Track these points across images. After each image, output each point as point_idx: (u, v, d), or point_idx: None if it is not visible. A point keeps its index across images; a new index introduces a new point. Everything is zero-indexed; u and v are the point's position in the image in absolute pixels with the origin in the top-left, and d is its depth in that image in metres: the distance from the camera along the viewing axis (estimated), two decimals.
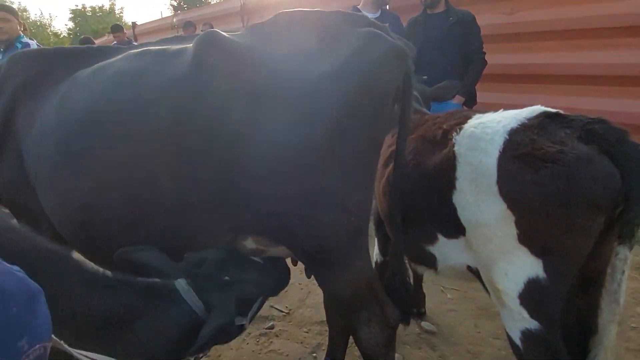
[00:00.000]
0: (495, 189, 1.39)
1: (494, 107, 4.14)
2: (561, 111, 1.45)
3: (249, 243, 1.61)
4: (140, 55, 1.58)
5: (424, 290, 2.73)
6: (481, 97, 4.21)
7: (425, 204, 1.65)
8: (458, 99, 3.46)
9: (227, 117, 1.40)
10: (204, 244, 1.58)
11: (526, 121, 1.43)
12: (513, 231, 1.37)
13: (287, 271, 1.70)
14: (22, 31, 3.84)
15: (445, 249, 1.67)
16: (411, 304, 1.90)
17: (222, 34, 1.45)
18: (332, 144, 1.39)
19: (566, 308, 1.50)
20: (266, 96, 1.39)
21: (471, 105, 3.64)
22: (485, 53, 3.50)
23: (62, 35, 29.02)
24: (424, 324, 2.63)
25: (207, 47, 1.42)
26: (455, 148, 1.54)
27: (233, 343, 2.68)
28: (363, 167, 1.47)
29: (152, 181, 1.45)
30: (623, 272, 1.33)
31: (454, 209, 1.53)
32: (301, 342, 2.56)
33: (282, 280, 1.68)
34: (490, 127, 1.48)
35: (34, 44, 3.74)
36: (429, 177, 1.62)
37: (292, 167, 1.40)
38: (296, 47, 1.47)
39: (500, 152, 1.40)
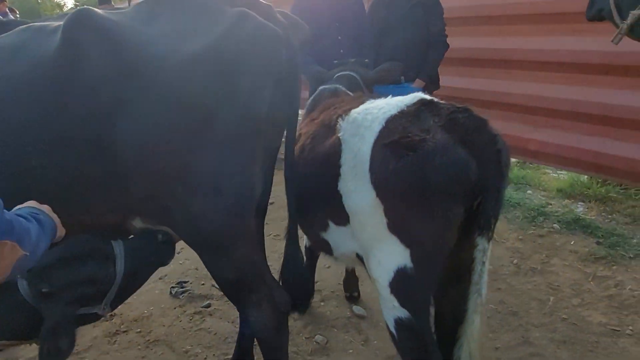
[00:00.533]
0: (368, 177, 1.38)
1: (463, 92, 4.04)
2: (436, 99, 1.42)
3: (138, 223, 1.62)
4: (23, 32, 1.56)
5: (359, 274, 2.74)
6: (450, 81, 4.14)
7: (318, 191, 1.64)
8: (418, 83, 3.39)
9: (98, 97, 1.38)
10: (91, 224, 1.59)
11: (405, 108, 1.40)
12: (383, 220, 1.36)
13: (171, 241, 1.65)
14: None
15: (336, 237, 1.66)
16: (308, 291, 1.90)
17: (95, 12, 1.43)
18: (202, 127, 1.39)
19: (440, 297, 1.50)
20: (137, 77, 1.38)
21: (434, 89, 3.57)
22: (446, 36, 3.40)
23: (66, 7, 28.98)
24: (355, 308, 2.64)
25: (75, 25, 1.39)
26: (341, 134, 1.52)
27: (165, 320, 2.75)
28: (239, 150, 1.46)
29: (25, 161, 1.44)
30: (483, 263, 1.32)
31: (340, 197, 1.52)
32: (232, 322, 2.60)
33: (166, 250, 1.65)
34: (371, 113, 1.45)
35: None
36: (320, 163, 1.61)
37: (163, 149, 1.40)
38: (171, 27, 1.45)
39: (375, 139, 1.38)
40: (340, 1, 3.27)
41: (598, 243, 3.23)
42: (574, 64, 3.33)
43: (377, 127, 1.38)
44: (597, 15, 2.15)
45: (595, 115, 3.27)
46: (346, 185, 1.48)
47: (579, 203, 3.82)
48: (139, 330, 2.71)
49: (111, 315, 2.93)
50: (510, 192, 4.03)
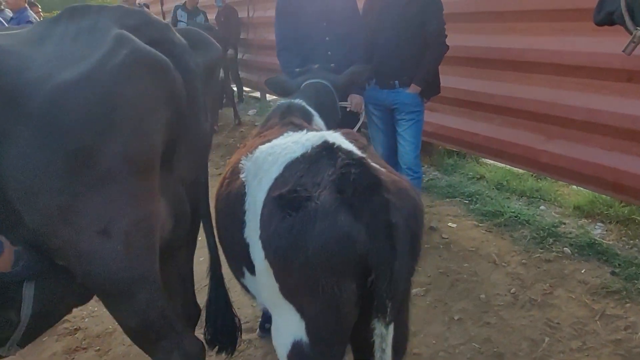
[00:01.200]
0: (259, 232, 1.15)
1: (469, 95, 3.64)
2: (342, 141, 1.16)
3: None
4: None
5: None
6: (457, 83, 3.78)
7: (231, 233, 1.43)
8: (414, 88, 3.09)
9: None
10: None
11: (308, 151, 1.16)
12: (275, 283, 1.13)
13: None
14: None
15: (251, 286, 1.45)
16: (234, 333, 1.70)
17: None
18: (79, 164, 1.21)
19: None
20: (15, 107, 1.21)
21: (433, 94, 3.25)
22: (446, 36, 3.07)
23: None
24: None
25: None
26: (243, 175, 1.30)
27: (127, 339, 2.62)
28: (127, 188, 1.27)
29: None
30: (383, 350, 1.05)
31: (247, 245, 1.30)
32: None
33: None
34: (274, 154, 1.23)
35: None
36: (231, 204, 1.40)
37: (41, 186, 1.23)
38: (58, 50, 1.28)
39: (269, 187, 1.15)
40: (329, 0, 2.99)
41: (613, 273, 2.84)
42: (591, 68, 2.92)
43: (274, 173, 1.16)
44: (606, 19, 1.81)
45: (616, 128, 2.86)
46: (249, 234, 1.26)
47: (598, 224, 3.39)
48: (98, 348, 2.61)
49: (76, 329, 2.86)
50: (520, 207, 3.66)
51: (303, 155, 1.15)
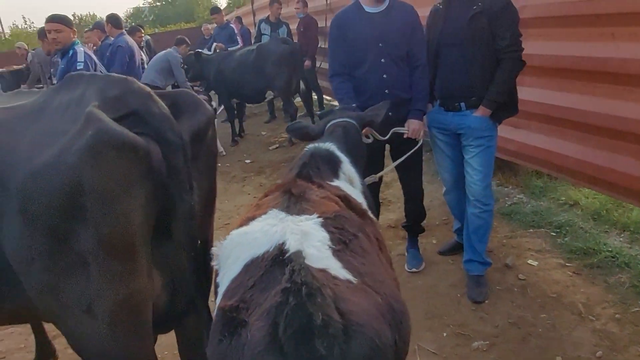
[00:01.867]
0: None
1: (559, 111, 3.18)
2: (303, 246, 0.97)
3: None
4: None
5: None
6: (542, 97, 3.30)
7: None
8: (483, 112, 2.74)
9: None
10: None
11: (270, 249, 1.02)
12: None
13: None
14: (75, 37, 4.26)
15: None
16: None
17: None
18: (57, 246, 1.22)
19: None
20: (3, 186, 1.26)
21: (506, 117, 2.85)
22: (521, 50, 2.66)
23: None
24: None
25: None
26: (215, 263, 1.19)
27: None
28: (106, 269, 1.25)
29: None
30: None
31: None
32: None
33: None
34: (243, 243, 1.10)
35: (81, 52, 4.10)
36: None
37: (32, 264, 1.28)
38: (46, 126, 1.30)
39: (224, 290, 1.04)
40: (384, 19, 2.77)
41: None
42: None
43: (235, 270, 1.03)
44: None
45: None
46: None
47: None
48: None
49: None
50: (620, 245, 3.08)
51: (264, 255, 1.01)
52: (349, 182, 1.75)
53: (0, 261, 1.31)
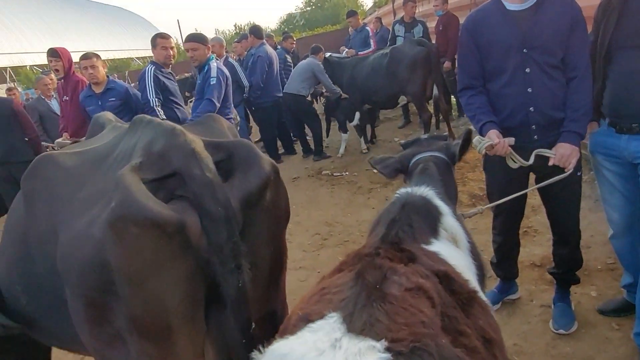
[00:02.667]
0: None
1: None
2: None
3: None
4: None
5: None
6: None
7: None
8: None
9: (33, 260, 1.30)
10: None
11: None
12: None
13: None
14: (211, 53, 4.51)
15: None
16: None
17: (52, 160, 1.30)
18: (97, 317, 1.16)
19: None
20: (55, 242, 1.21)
21: None
22: None
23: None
24: None
25: (28, 172, 1.33)
26: None
27: None
28: (141, 351, 1.12)
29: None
30: None
31: None
32: None
33: None
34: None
35: (214, 67, 4.30)
36: None
37: (82, 329, 1.22)
38: (98, 182, 1.23)
39: None
40: (532, 18, 2.20)
41: None
42: None
43: None
44: None
45: None
46: None
47: None
48: None
49: None
50: None
51: None
52: (452, 240, 1.35)
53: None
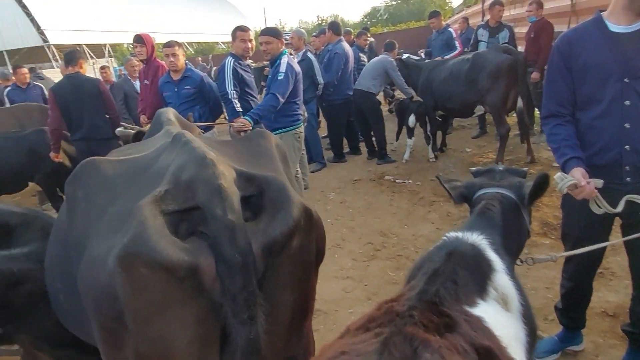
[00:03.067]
0: None
1: None
2: None
3: None
4: None
5: None
6: None
7: None
8: None
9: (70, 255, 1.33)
10: None
11: None
12: None
13: None
14: (285, 47, 4.52)
15: None
16: None
17: (94, 166, 1.31)
18: (112, 343, 1.15)
19: None
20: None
21: None
22: None
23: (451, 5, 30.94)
24: None
25: (72, 176, 1.35)
26: None
27: None
28: None
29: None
30: None
31: None
32: None
33: None
34: None
35: (284, 63, 4.29)
36: None
37: (103, 349, 1.27)
38: (128, 201, 1.21)
39: None
40: (637, 43, 1.90)
41: None
42: None
43: None
44: None
45: None
46: None
47: None
48: None
49: None
50: None
51: None
52: (502, 301, 1.19)
53: None
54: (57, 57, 25.68)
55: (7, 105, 6.89)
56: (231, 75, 4.39)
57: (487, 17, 8.15)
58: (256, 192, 1.20)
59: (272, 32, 4.46)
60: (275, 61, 4.37)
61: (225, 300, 1.09)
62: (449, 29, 7.38)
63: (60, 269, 1.45)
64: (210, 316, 1.12)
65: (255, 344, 1.10)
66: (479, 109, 6.07)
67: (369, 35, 8.39)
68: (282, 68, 4.23)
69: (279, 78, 4.21)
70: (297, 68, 4.47)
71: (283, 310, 1.22)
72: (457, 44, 7.22)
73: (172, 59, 4.61)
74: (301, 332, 1.37)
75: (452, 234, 1.35)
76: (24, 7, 27.04)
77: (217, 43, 36.68)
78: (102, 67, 8.51)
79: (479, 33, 6.67)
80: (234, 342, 1.10)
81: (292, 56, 4.97)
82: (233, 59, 4.50)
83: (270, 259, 1.17)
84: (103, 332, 1.16)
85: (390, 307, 1.07)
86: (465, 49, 7.01)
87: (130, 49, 25.11)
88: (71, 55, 4.93)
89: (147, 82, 5.04)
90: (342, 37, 6.81)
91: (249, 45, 4.60)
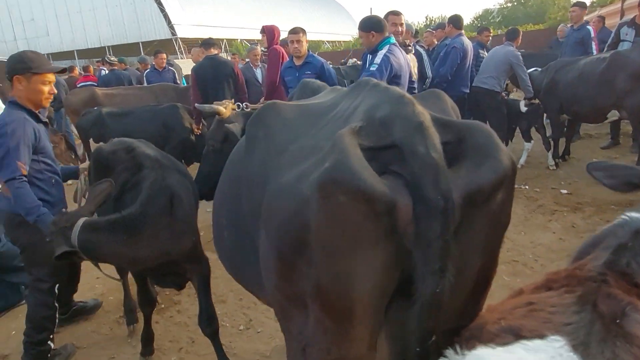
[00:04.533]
0: None
1: None
2: None
3: None
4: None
5: None
6: None
7: None
8: None
9: (254, 196, 1.37)
10: None
11: None
12: None
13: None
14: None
15: None
16: None
17: (277, 108, 1.36)
18: (284, 273, 1.20)
19: None
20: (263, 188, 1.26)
21: None
22: None
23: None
24: None
25: (254, 118, 1.42)
26: None
27: None
28: (319, 325, 1.16)
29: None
30: None
31: None
32: None
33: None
34: None
35: (381, 54, 4.16)
36: None
37: (268, 279, 1.28)
38: (313, 137, 1.25)
39: None
40: None
41: None
42: None
43: None
44: None
45: None
46: None
47: None
48: None
49: None
50: None
51: None
52: None
53: None
54: (182, 49, 28.29)
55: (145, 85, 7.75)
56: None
57: (628, 15, 7.25)
58: (453, 139, 1.12)
59: (360, 26, 4.22)
60: (375, 50, 4.08)
61: (417, 247, 1.02)
62: (588, 26, 6.64)
63: (228, 206, 1.55)
64: (396, 263, 1.06)
65: (438, 300, 1.01)
66: (613, 114, 5.43)
67: (490, 32, 7.91)
68: (378, 59, 3.95)
69: (371, 69, 3.91)
70: (398, 62, 4.06)
71: (469, 273, 1.12)
72: (593, 45, 6.50)
73: (296, 45, 4.78)
74: (478, 304, 1.25)
75: (634, 214, 1.20)
76: (159, 4, 30.24)
77: (323, 42, 37.56)
78: (233, 54, 9.32)
79: (622, 32, 5.96)
80: (417, 293, 1.02)
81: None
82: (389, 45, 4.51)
83: (469, 210, 1.06)
84: (280, 263, 1.15)
85: (572, 272, 0.98)
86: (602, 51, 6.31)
87: (244, 44, 26.73)
88: (210, 41, 5.44)
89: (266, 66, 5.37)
90: (462, 31, 6.52)
91: (400, 29, 4.55)
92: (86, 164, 2.85)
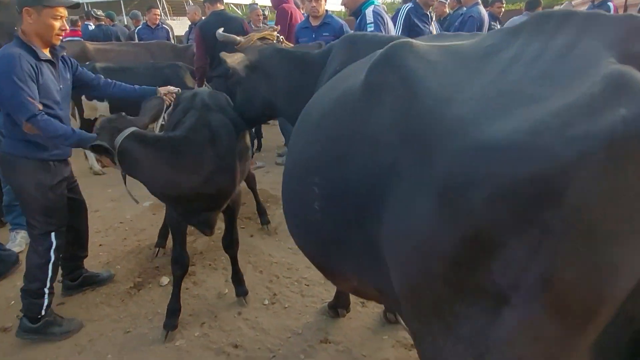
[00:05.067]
0: None
1: None
2: None
3: None
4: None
5: None
6: None
7: None
8: None
9: (375, 156, 1.15)
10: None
11: None
12: None
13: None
14: None
15: None
16: None
17: (410, 48, 1.11)
18: (462, 267, 0.93)
19: None
20: (415, 146, 1.01)
21: None
22: None
23: None
24: None
25: (381, 63, 1.17)
26: None
27: None
28: (528, 327, 0.89)
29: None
30: None
31: None
32: None
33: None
34: None
35: (370, 10, 3.86)
36: None
37: (401, 258, 1.09)
38: (494, 83, 0.94)
39: None
40: None
41: None
42: None
43: None
44: None
45: None
46: None
47: None
48: None
49: None
50: None
51: None
52: None
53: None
54: (167, 10, 26.92)
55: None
56: (402, 22, 4.10)
57: None
58: None
59: None
60: (358, 12, 3.80)
61: None
62: (609, 3, 6.43)
63: (324, 173, 1.29)
64: None
65: None
66: None
67: (503, 3, 7.63)
68: (369, 18, 3.65)
69: (370, 30, 3.64)
70: (384, 16, 3.81)
71: None
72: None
73: (314, 4, 4.44)
74: None
75: None
76: None
77: None
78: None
79: None
80: None
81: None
82: (410, 5, 4.20)
83: None
84: (475, 244, 0.84)
85: None
86: None
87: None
88: None
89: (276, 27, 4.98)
90: (479, 0, 6.25)
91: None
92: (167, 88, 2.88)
